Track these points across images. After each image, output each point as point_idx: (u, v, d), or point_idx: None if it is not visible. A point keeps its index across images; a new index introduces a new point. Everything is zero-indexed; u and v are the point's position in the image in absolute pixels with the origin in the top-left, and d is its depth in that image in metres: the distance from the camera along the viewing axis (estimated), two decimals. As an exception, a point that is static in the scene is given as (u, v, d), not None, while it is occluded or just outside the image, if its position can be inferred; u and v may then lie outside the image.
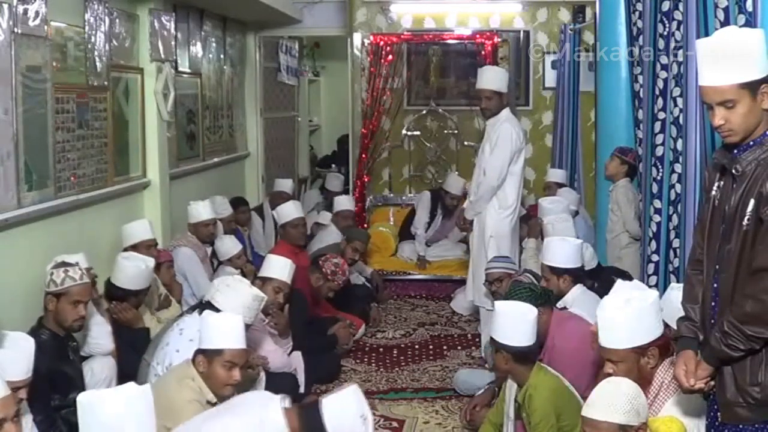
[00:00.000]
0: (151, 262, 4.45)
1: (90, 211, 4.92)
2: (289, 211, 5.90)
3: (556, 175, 6.90)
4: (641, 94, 4.55)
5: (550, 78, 7.97)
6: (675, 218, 4.07)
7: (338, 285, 5.49)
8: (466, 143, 8.13)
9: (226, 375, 3.29)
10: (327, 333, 5.42)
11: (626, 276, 4.70)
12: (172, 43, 5.99)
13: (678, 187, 4.01)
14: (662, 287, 4.17)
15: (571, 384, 3.50)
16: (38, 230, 4.30)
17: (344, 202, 7.07)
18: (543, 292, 3.98)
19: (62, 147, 4.57)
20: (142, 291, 4.40)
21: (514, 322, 3.46)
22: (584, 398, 2.94)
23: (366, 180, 7.89)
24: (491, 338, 3.58)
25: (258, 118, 8.48)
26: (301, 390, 4.58)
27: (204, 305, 3.91)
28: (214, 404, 3.33)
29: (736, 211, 2.43)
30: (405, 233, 7.71)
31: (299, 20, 8.22)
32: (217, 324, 3.35)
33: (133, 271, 4.31)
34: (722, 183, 2.53)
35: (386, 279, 7.19)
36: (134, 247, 4.83)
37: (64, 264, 3.67)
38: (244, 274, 5.24)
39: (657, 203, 4.26)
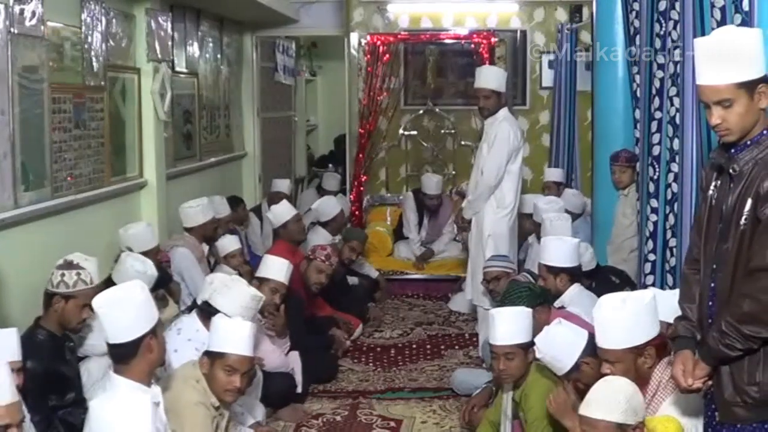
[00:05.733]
0: (152, 268, 4.35)
1: (87, 212, 4.90)
2: (284, 212, 5.88)
3: (554, 174, 6.87)
4: (638, 94, 4.55)
5: (547, 78, 7.97)
6: (671, 218, 4.06)
7: (331, 266, 5.39)
8: (463, 143, 8.13)
9: (226, 379, 3.29)
10: (325, 333, 5.41)
11: (623, 275, 4.71)
12: (169, 43, 5.98)
13: (674, 186, 4.00)
14: (659, 287, 4.17)
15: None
16: (35, 230, 4.29)
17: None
18: (541, 292, 3.98)
19: (59, 147, 4.56)
20: None
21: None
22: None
23: (363, 180, 7.89)
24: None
25: (255, 118, 8.47)
26: (299, 390, 4.58)
27: (203, 305, 3.92)
28: (217, 408, 3.33)
29: (733, 210, 2.43)
30: (401, 233, 7.70)
31: (296, 20, 8.21)
32: (225, 328, 3.37)
33: (135, 275, 4.20)
34: (719, 182, 2.53)
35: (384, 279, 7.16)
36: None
37: (76, 266, 3.62)
38: (240, 275, 5.22)
39: (653, 202, 4.25)
